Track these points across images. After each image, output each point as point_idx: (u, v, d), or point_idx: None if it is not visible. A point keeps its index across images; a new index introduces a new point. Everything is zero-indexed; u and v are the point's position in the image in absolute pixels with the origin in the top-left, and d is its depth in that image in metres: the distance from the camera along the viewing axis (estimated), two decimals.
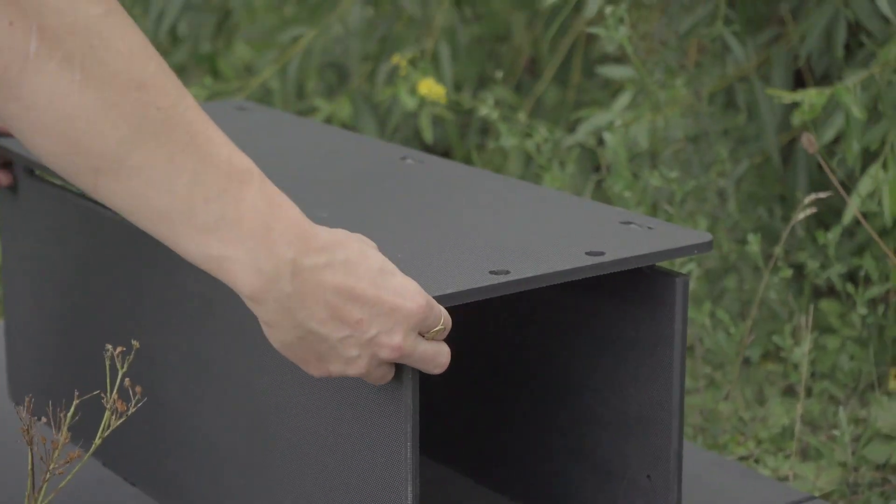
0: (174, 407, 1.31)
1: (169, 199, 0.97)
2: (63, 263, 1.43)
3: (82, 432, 1.44)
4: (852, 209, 1.81)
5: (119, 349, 1.14)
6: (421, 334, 1.04)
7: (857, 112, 1.74)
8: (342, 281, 1.00)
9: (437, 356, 1.05)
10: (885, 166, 1.78)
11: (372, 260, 1.03)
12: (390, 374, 1.05)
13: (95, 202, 1.34)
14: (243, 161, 1.00)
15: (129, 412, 1.13)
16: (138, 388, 1.13)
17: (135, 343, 1.15)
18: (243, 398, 1.22)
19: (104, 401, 1.12)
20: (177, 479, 1.33)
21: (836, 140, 1.95)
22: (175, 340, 1.30)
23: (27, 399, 1.14)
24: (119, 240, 1.34)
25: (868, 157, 1.89)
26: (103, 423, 1.13)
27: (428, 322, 1.04)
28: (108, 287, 1.37)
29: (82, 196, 1.36)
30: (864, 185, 1.79)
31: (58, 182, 1.38)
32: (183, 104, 0.97)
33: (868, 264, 1.87)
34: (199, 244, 0.98)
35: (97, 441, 1.14)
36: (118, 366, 1.13)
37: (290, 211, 1.01)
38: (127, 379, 1.13)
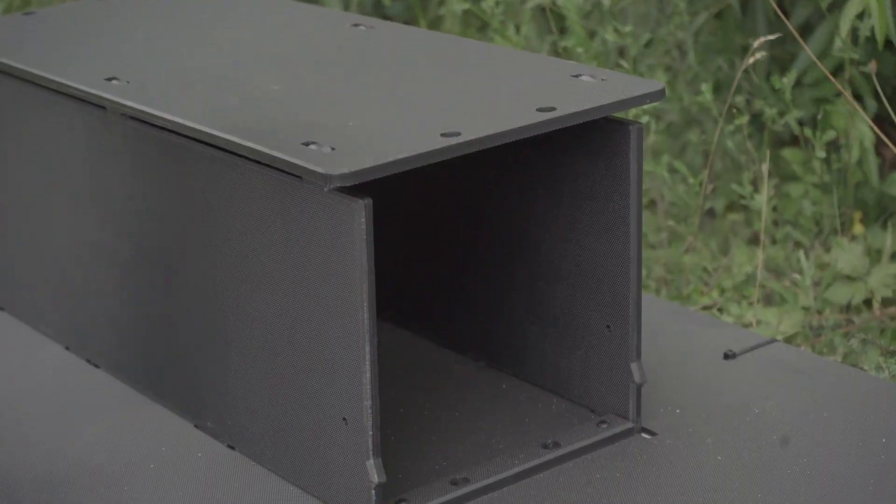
0: (131, 290, 1.32)
1: None
2: (26, 157, 1.42)
3: (62, 327, 1.45)
4: (809, 51, 1.80)
5: None
6: None
7: None
8: None
9: None
10: None
11: None
12: None
13: (55, 90, 1.33)
14: None
15: None
16: None
17: None
18: (203, 283, 1.23)
19: None
20: (136, 359, 1.34)
21: None
22: (131, 232, 1.30)
23: None
24: (82, 130, 1.33)
25: None
26: None
27: None
28: (74, 181, 1.37)
29: (41, 86, 1.35)
30: (853, 7, 1.77)
31: (14, 73, 1.37)
32: None
33: (831, 109, 1.87)
34: None
35: None
36: None
37: None
38: None
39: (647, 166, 1.87)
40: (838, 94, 1.90)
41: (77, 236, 1.37)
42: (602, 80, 1.22)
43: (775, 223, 1.91)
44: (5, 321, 1.49)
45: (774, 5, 1.83)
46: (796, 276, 1.72)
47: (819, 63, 1.80)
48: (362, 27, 1.42)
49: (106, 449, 1.25)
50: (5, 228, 1.48)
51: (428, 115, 1.16)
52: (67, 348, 1.43)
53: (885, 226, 1.89)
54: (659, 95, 1.21)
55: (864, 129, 1.85)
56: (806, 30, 2.01)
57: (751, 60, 1.76)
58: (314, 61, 1.32)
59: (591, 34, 2.09)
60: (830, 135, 1.80)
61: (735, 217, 1.95)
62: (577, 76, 1.23)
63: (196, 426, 1.28)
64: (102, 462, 1.23)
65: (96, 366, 1.40)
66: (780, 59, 2.08)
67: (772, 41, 1.91)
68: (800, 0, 1.99)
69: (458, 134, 1.11)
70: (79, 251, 1.38)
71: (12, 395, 1.36)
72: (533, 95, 1.19)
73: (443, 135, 1.11)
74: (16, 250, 1.47)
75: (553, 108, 1.16)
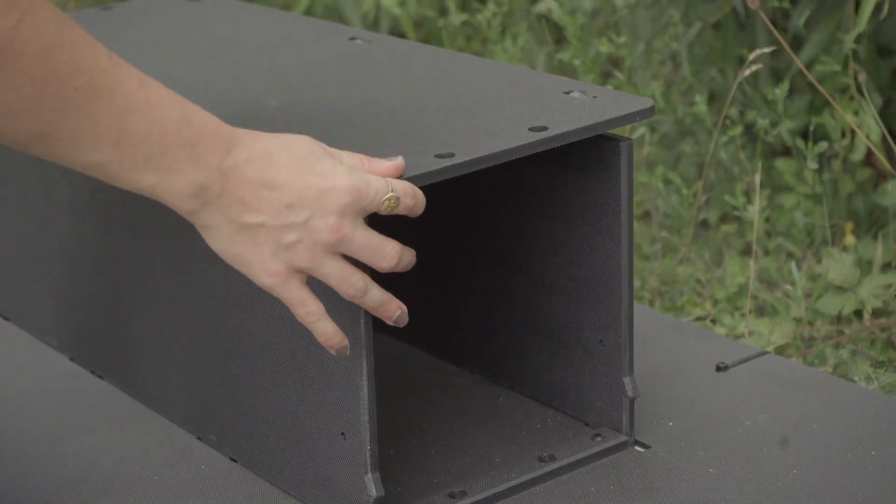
0: (138, 301, 1.33)
1: (98, 154, 1.00)
2: (27, 162, 1.44)
3: (66, 338, 1.47)
4: (799, 63, 1.82)
5: None
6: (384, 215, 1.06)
7: None
8: (262, 172, 1.03)
9: (381, 246, 1.07)
10: None
11: (297, 150, 1.05)
12: (344, 270, 1.06)
13: None
14: (160, 94, 1.01)
15: None
16: None
17: None
18: (208, 298, 1.24)
19: None
20: (141, 371, 1.35)
21: None
22: (138, 242, 1.31)
23: None
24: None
25: None
26: None
27: (366, 199, 1.05)
28: (75, 188, 1.38)
29: None
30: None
31: None
32: (99, 70, 0.97)
33: (827, 121, 1.89)
34: (131, 180, 1.02)
35: None
36: None
37: (209, 122, 1.03)
38: None
39: (642, 177, 1.89)
40: (844, 90, 1.91)
41: (79, 247, 1.39)
42: (593, 97, 1.24)
43: (768, 234, 1.93)
44: (9, 331, 1.51)
45: (763, 15, 1.84)
46: (788, 287, 1.74)
47: (811, 76, 1.82)
48: (359, 41, 1.44)
49: (109, 460, 1.27)
50: (8, 237, 1.49)
51: (421, 133, 1.18)
52: (72, 359, 1.45)
53: (875, 237, 1.91)
54: (648, 113, 1.23)
55: (870, 123, 1.85)
56: (800, 39, 2.03)
57: (747, 73, 1.77)
58: (312, 77, 1.34)
59: (587, 42, 2.11)
60: (822, 146, 1.82)
61: (728, 228, 1.97)
62: (568, 92, 1.25)
63: (199, 438, 1.30)
64: (105, 473, 1.25)
65: (101, 377, 1.41)
66: (778, 70, 2.10)
67: (770, 52, 1.92)
68: (800, 5, 2.01)
69: (451, 155, 1.13)
70: (82, 262, 1.39)
71: (15, 403, 1.38)
72: (525, 114, 1.21)
73: (436, 156, 1.13)
74: (19, 259, 1.49)
75: (545, 128, 1.18)
